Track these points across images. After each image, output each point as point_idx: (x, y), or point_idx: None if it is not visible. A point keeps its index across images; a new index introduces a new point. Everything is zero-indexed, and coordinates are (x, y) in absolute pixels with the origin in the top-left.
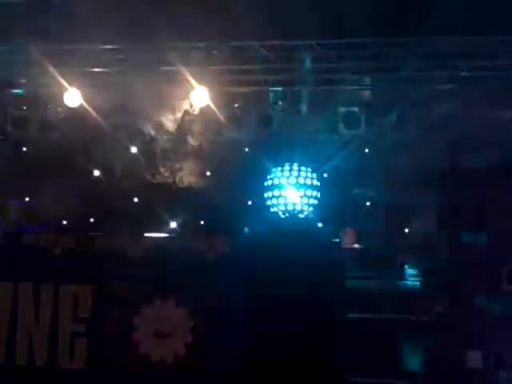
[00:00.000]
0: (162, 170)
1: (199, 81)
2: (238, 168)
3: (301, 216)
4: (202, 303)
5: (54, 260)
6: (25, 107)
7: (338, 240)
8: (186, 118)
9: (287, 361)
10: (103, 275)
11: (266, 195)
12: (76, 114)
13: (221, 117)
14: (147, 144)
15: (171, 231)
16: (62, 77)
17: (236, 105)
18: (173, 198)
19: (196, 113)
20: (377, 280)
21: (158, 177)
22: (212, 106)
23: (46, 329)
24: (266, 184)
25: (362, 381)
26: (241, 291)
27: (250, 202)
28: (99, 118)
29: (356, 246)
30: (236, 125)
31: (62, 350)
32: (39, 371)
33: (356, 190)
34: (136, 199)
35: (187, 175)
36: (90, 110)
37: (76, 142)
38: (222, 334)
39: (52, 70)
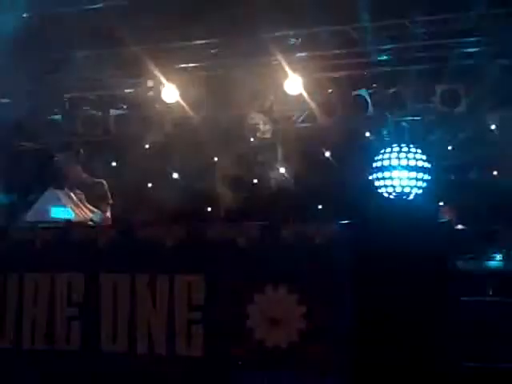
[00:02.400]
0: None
1: (293, 69)
2: (341, 152)
3: (409, 198)
4: (313, 289)
5: (168, 251)
6: (125, 106)
7: (448, 219)
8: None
9: (399, 345)
10: (216, 264)
11: (373, 177)
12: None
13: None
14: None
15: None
16: (161, 74)
17: (330, 90)
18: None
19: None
20: (480, 260)
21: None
22: (304, 93)
23: (164, 318)
24: (374, 165)
25: (476, 365)
26: (351, 276)
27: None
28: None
29: (459, 226)
30: (331, 110)
31: (180, 338)
32: (159, 358)
33: None
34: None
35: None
36: (185, 105)
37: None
38: (334, 320)
39: (151, 67)
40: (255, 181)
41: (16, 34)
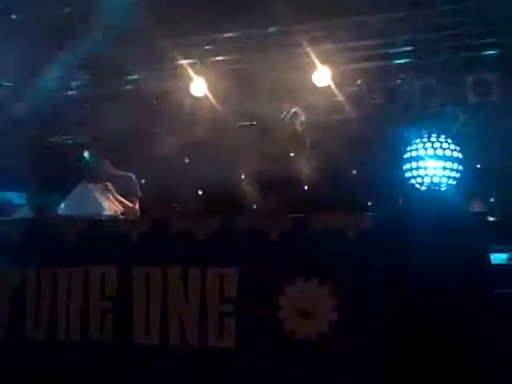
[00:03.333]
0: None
1: (321, 61)
2: (370, 144)
3: (441, 188)
4: (344, 281)
5: (200, 243)
6: (154, 101)
7: (481, 211)
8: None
9: (432, 339)
10: (248, 256)
11: (404, 167)
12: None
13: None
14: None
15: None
16: (189, 68)
17: (358, 81)
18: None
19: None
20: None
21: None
22: (332, 85)
23: (196, 310)
24: (405, 156)
25: (509, 358)
26: (383, 268)
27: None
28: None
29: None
30: (359, 102)
31: (212, 330)
32: (191, 350)
33: None
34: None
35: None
36: (212, 98)
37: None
38: (365, 312)
39: (181, 62)
40: (283, 174)
41: (47, 31)
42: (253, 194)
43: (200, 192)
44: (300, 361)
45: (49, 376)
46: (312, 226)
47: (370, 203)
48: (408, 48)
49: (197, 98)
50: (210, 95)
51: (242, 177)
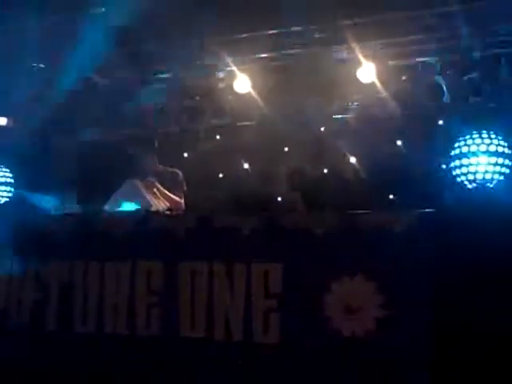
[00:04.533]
0: None
1: (366, 57)
2: (414, 141)
3: (490, 185)
4: (391, 278)
5: (245, 239)
6: (198, 97)
7: None
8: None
9: (479, 338)
10: (293, 252)
11: (453, 164)
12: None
13: (385, 92)
14: None
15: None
16: (234, 64)
17: (403, 77)
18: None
19: None
20: None
21: None
22: (377, 82)
23: (241, 306)
24: (453, 153)
25: None
26: (430, 265)
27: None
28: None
29: None
30: (404, 98)
31: (257, 326)
32: (236, 345)
33: None
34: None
35: None
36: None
37: None
38: (412, 310)
39: (226, 58)
40: (326, 170)
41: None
42: (295, 192)
43: (241, 189)
44: (346, 358)
45: (96, 370)
46: (358, 223)
47: (414, 200)
48: (456, 43)
49: (240, 95)
50: (253, 92)
51: (284, 173)
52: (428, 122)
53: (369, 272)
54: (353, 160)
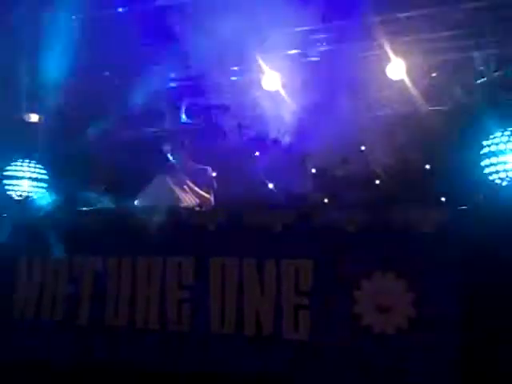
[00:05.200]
0: None
1: (396, 53)
2: (444, 139)
3: None
4: (422, 276)
5: (275, 236)
6: (227, 94)
7: None
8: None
9: (508, 339)
10: (323, 249)
11: (484, 163)
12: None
13: (415, 90)
14: None
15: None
16: (262, 61)
17: (433, 74)
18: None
19: None
20: None
21: None
22: (406, 79)
23: (271, 302)
24: (484, 151)
25: None
26: (461, 263)
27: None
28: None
29: None
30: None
31: (287, 322)
32: (266, 342)
33: None
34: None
35: None
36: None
37: None
38: (443, 308)
39: (252, 55)
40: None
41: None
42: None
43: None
44: (377, 356)
45: (127, 363)
46: (389, 220)
47: (444, 198)
48: (487, 39)
49: (269, 93)
50: (282, 89)
51: (313, 171)
52: (459, 120)
53: (400, 270)
54: (383, 158)
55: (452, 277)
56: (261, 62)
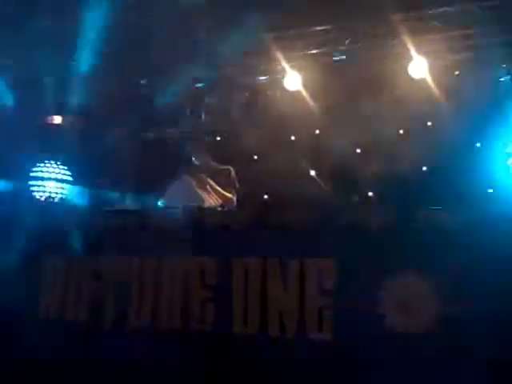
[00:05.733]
0: None
1: (417, 51)
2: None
3: None
4: (446, 276)
5: (298, 235)
6: (247, 94)
7: None
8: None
9: None
10: (346, 249)
11: (509, 163)
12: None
13: (436, 88)
14: None
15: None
16: (284, 61)
17: (456, 72)
18: None
19: None
20: None
21: None
22: (428, 78)
23: (295, 302)
24: (507, 151)
25: None
26: (485, 263)
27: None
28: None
29: None
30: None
31: (311, 322)
32: (290, 342)
33: None
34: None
35: None
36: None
37: None
38: (468, 308)
39: (278, 55)
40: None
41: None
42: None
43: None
44: (401, 357)
45: (150, 363)
46: (413, 219)
47: (467, 196)
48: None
49: (290, 92)
50: (303, 90)
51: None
52: (482, 118)
53: (423, 270)
54: (407, 157)
55: (477, 276)
56: (282, 61)
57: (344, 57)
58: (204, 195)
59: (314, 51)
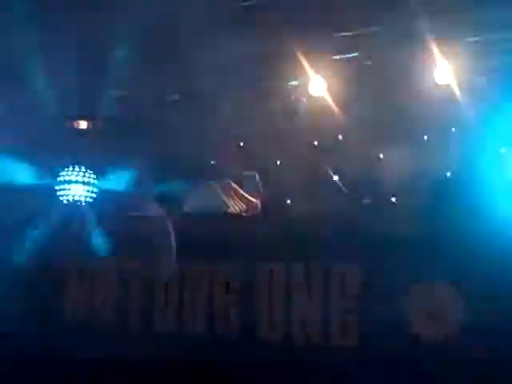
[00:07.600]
0: None
1: (443, 56)
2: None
3: None
4: (472, 283)
5: (323, 241)
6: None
7: None
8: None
9: None
10: (371, 255)
11: None
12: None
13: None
14: None
15: None
16: (308, 66)
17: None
18: None
19: None
20: None
21: None
22: (454, 82)
23: (319, 307)
24: None
25: None
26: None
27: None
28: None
29: None
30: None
31: (335, 328)
32: (313, 347)
33: None
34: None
35: None
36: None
37: None
38: (495, 315)
39: (301, 59)
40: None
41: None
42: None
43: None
44: (426, 363)
45: (174, 368)
46: (439, 228)
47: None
48: None
49: (315, 98)
50: (328, 95)
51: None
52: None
53: (450, 276)
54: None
55: (503, 283)
56: (307, 66)
57: (369, 62)
58: (228, 200)
59: (339, 56)
